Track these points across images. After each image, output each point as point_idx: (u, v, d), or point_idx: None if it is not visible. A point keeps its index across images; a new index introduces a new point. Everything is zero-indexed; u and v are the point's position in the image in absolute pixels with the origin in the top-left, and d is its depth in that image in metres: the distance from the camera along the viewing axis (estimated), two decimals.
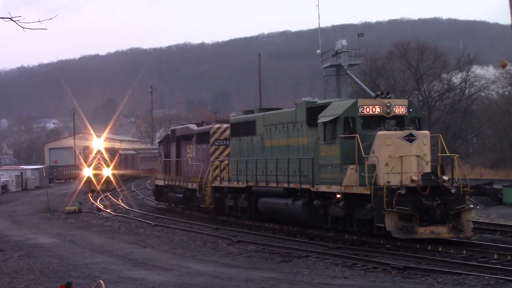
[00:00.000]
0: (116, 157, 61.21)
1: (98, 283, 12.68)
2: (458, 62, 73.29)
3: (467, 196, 22.15)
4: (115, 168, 59.78)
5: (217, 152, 33.04)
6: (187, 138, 37.11)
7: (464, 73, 72.89)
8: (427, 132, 22.01)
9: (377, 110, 22.19)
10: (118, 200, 47.47)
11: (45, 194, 45.46)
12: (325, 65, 58.04)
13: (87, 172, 57.91)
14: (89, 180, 57.16)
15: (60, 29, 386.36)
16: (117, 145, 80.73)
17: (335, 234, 23.24)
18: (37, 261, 20.72)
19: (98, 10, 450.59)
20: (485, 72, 76.44)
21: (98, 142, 62.82)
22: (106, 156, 58.77)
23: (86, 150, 61.63)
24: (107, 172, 58.18)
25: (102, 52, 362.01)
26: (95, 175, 57.08)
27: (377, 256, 19.60)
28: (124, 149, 74.09)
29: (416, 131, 21.43)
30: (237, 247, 22.73)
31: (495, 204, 33.66)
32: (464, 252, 19.32)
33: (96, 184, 55.29)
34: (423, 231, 20.09)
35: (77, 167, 78.24)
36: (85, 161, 59.11)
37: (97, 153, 58.93)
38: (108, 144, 69.26)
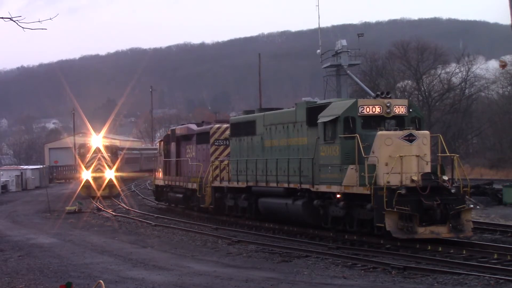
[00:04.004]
0: (120, 157, 54.25)
1: (98, 283, 12.68)
2: (458, 62, 73.47)
3: (467, 196, 22.14)
4: (118, 169, 52.20)
5: (217, 152, 33.04)
6: (187, 138, 37.10)
7: (464, 73, 73.02)
8: (427, 132, 22.01)
9: (377, 110, 22.19)
10: (118, 200, 47.42)
11: (45, 194, 45.43)
12: (325, 65, 57.99)
13: (85, 175, 50.08)
14: (87, 185, 49.74)
15: (77, 28, 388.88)
16: (117, 143, 75.79)
17: (335, 234, 23.24)
18: (37, 261, 20.71)
19: (116, 11, 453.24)
20: (485, 72, 76.49)
21: (97, 139, 53.40)
22: (106, 155, 50.87)
23: (82, 149, 54.04)
24: (110, 174, 50.26)
25: (102, 52, 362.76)
26: (95, 179, 49.55)
27: (377, 256, 19.60)
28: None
29: (416, 131, 21.43)
30: (237, 247, 22.73)
31: (495, 204, 33.66)
32: (464, 252, 19.32)
33: (96, 190, 48.37)
34: (423, 231, 20.09)
35: (75, 168, 73.50)
36: (82, 161, 51.68)
37: (96, 151, 50.89)
38: (108, 142, 60.46)
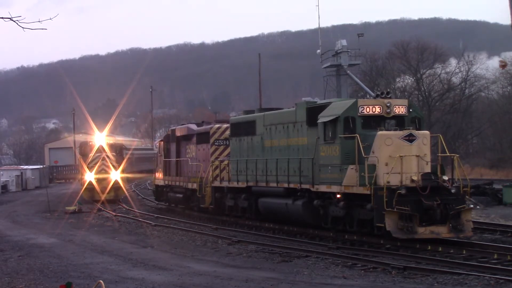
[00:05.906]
0: (126, 157, 50.06)
1: (98, 283, 12.68)
2: (459, 61, 73.55)
3: (467, 196, 22.14)
4: (124, 170, 47.48)
5: (217, 152, 33.04)
6: (187, 138, 37.11)
7: (464, 73, 73.05)
8: (427, 132, 22.01)
9: (377, 110, 22.19)
10: (118, 200, 47.34)
11: (45, 194, 45.37)
12: (325, 65, 58.03)
13: (88, 176, 45.12)
14: (90, 187, 44.88)
15: (78, 28, 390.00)
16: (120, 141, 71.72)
17: (335, 234, 23.24)
18: (37, 261, 20.70)
19: (122, 11, 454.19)
20: (485, 72, 76.56)
21: (100, 137, 48.05)
22: (111, 154, 46.24)
23: (83, 148, 49.44)
24: (115, 175, 45.29)
25: (102, 52, 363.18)
26: (99, 181, 44.77)
27: (377, 256, 19.60)
28: None
29: (416, 131, 21.43)
30: (237, 247, 22.73)
31: (495, 204, 33.66)
32: (464, 252, 19.32)
33: (100, 193, 44.04)
34: (423, 231, 20.09)
35: (76, 168, 72.17)
36: (84, 161, 47.00)
37: (100, 150, 46.30)
38: (112, 140, 55.35)
